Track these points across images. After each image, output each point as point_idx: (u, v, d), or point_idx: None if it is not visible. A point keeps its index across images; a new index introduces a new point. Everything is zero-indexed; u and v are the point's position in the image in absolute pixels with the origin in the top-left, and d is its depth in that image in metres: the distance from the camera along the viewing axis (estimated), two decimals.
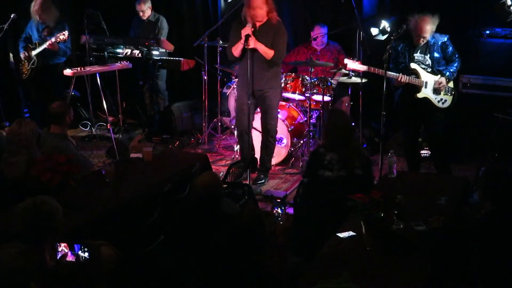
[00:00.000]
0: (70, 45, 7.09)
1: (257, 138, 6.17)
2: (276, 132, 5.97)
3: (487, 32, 6.36)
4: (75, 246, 2.76)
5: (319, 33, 6.91)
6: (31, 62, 6.92)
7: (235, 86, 6.67)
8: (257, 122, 6.16)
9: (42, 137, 4.72)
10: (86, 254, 2.74)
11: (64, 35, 6.72)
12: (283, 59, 5.99)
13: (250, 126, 5.88)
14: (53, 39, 6.72)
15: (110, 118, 7.02)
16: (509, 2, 5.70)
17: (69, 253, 2.76)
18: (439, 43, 5.49)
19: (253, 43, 5.52)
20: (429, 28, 5.33)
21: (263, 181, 5.95)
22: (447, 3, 6.40)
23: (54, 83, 7.05)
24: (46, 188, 3.70)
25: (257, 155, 6.15)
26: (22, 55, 6.98)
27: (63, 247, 2.77)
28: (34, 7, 6.90)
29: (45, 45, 6.77)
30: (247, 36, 5.52)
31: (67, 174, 4.06)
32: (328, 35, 6.98)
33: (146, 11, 7.54)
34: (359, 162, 4.34)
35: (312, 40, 7.02)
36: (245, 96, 5.76)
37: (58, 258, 2.75)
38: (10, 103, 7.60)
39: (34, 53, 6.87)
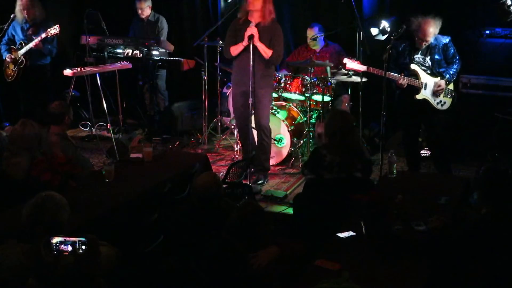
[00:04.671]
0: (56, 44, 7.05)
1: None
2: (269, 130, 5.96)
3: (487, 32, 6.36)
4: (71, 240, 2.76)
5: (313, 34, 6.86)
6: (18, 62, 6.84)
7: None
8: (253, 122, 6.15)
9: (42, 138, 4.72)
10: (83, 247, 2.74)
11: (55, 29, 6.66)
12: (283, 60, 5.97)
13: (249, 124, 5.88)
14: (43, 35, 6.67)
15: (110, 118, 7.01)
16: (509, 2, 5.71)
17: (66, 247, 2.75)
18: (441, 45, 5.48)
19: (256, 40, 5.54)
20: (432, 31, 5.33)
21: (262, 181, 5.94)
22: (447, 3, 6.40)
23: (42, 85, 7.03)
24: (46, 188, 3.70)
25: None
26: (8, 58, 6.89)
27: (58, 242, 2.76)
28: (19, 4, 6.81)
29: (32, 44, 6.71)
30: (251, 36, 5.52)
31: (67, 174, 4.07)
32: (328, 36, 6.97)
33: (145, 9, 7.53)
34: (359, 165, 4.34)
35: (311, 40, 6.97)
36: (241, 94, 5.78)
37: (55, 253, 2.75)
38: (9, 103, 7.61)
39: (20, 53, 6.80)
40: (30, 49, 6.77)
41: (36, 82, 6.98)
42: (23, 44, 6.82)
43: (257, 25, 5.61)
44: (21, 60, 6.84)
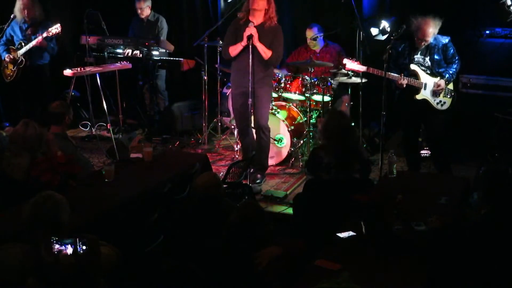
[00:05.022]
0: (56, 43, 7.06)
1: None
2: (268, 129, 5.95)
3: (487, 32, 6.36)
4: (71, 240, 2.76)
5: (312, 35, 6.86)
6: (18, 62, 6.84)
7: None
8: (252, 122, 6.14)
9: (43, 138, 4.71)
10: (84, 247, 2.74)
11: (57, 28, 6.68)
12: (281, 60, 5.96)
13: (249, 125, 5.88)
14: (44, 34, 6.69)
15: (110, 118, 7.02)
16: (509, 2, 5.71)
17: (66, 248, 2.75)
18: (440, 45, 5.48)
19: (255, 40, 5.52)
20: (431, 31, 5.32)
21: (260, 181, 5.92)
22: (447, 3, 6.40)
23: (41, 85, 7.04)
24: (46, 188, 3.70)
25: None
26: (7, 58, 6.90)
27: (59, 242, 2.76)
28: (20, 3, 6.82)
29: (33, 43, 6.72)
30: (250, 36, 5.51)
31: (67, 174, 4.07)
32: (328, 36, 6.97)
33: (145, 9, 7.53)
34: (357, 166, 4.33)
35: (311, 40, 6.96)
36: (240, 95, 5.76)
37: (55, 253, 2.75)
38: (9, 104, 7.61)
39: (20, 52, 6.81)
40: (31, 48, 6.78)
41: (35, 82, 6.98)
42: (23, 44, 6.82)
43: (259, 26, 5.59)
44: (20, 60, 6.84)
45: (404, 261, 3.21)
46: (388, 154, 4.76)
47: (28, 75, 6.92)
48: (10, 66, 6.93)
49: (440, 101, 5.58)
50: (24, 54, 6.82)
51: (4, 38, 6.99)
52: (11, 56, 6.87)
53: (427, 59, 5.50)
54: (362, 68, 5.75)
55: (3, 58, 7.00)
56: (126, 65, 7.06)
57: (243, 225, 3.29)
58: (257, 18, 5.62)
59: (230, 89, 6.88)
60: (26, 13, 6.84)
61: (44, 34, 6.70)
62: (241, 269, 3.20)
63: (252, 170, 5.76)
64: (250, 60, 5.54)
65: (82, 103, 7.69)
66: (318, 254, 3.30)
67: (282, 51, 5.83)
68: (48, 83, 7.15)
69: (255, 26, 5.56)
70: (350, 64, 5.81)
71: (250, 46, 5.51)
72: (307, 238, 3.93)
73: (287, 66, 7.00)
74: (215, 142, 7.37)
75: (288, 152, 6.48)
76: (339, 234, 3.51)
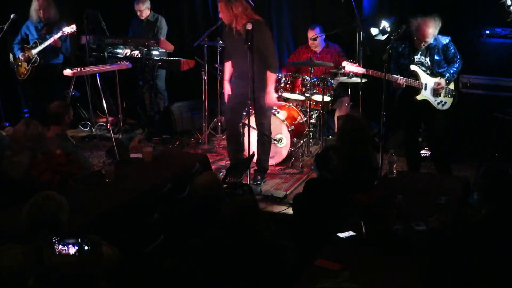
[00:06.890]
0: (70, 45, 7.11)
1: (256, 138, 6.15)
2: (270, 130, 5.95)
3: (487, 32, 6.35)
4: (73, 241, 2.76)
5: (314, 35, 6.86)
6: (32, 60, 6.91)
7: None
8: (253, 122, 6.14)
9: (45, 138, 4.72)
10: (86, 248, 2.74)
11: (72, 28, 6.77)
12: (278, 57, 5.94)
13: (239, 127, 5.87)
14: (59, 33, 6.77)
15: (110, 118, 7.01)
16: (509, 2, 5.70)
17: (69, 248, 2.75)
18: (440, 45, 5.47)
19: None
20: (431, 31, 5.31)
21: (259, 182, 5.91)
22: (447, 3, 6.40)
23: (53, 84, 7.07)
24: (46, 188, 3.69)
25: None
26: (21, 57, 6.97)
27: (61, 243, 2.76)
28: (36, 4, 6.91)
29: (49, 42, 6.80)
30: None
31: (67, 174, 4.07)
32: (328, 36, 6.97)
33: (144, 11, 7.54)
34: (365, 173, 4.31)
35: (312, 41, 6.97)
36: (236, 96, 5.76)
37: (57, 253, 2.75)
38: (10, 103, 7.62)
39: (35, 51, 6.88)
40: (45, 47, 6.85)
41: (47, 81, 7.03)
42: (38, 43, 6.88)
43: (238, 31, 5.54)
44: (35, 58, 6.91)
45: (404, 261, 3.21)
46: (388, 154, 4.76)
47: (41, 73, 6.98)
48: (24, 65, 7.01)
49: (441, 101, 5.57)
50: (38, 53, 6.89)
51: (19, 37, 7.08)
52: (26, 55, 6.93)
53: (427, 59, 5.49)
54: (361, 70, 5.75)
55: (17, 57, 7.06)
56: (126, 65, 7.06)
57: (238, 221, 3.26)
58: (224, 21, 5.67)
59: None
60: (41, 13, 6.92)
61: (59, 34, 6.76)
62: (240, 262, 3.19)
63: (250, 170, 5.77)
64: (248, 64, 5.46)
65: (82, 103, 7.69)
66: (318, 254, 3.30)
67: (271, 45, 5.71)
68: (59, 83, 7.15)
69: (236, 32, 5.54)
70: (349, 67, 5.81)
71: (246, 46, 5.47)
72: (307, 238, 3.93)
73: (288, 66, 6.99)
74: (215, 142, 7.37)
75: (288, 152, 6.48)
76: (339, 234, 3.51)
